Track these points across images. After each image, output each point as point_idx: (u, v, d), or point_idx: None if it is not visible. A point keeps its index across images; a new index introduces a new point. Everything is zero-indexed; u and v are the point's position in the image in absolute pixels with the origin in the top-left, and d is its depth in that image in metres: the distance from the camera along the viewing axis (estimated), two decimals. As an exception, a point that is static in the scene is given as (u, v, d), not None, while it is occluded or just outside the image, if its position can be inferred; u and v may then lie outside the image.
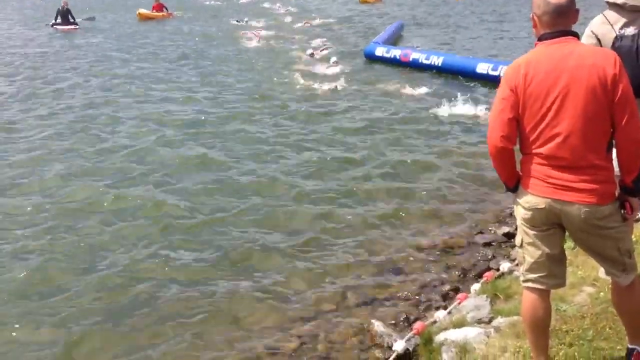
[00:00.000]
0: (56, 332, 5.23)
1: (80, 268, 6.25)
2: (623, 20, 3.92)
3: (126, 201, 7.89)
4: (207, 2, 43.63)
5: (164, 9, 32.38)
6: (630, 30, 3.85)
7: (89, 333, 5.21)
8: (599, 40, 3.98)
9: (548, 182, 2.96)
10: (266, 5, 41.41)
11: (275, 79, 16.13)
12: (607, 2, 4.02)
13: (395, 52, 18.40)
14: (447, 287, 5.74)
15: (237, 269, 6.26)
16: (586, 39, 4.02)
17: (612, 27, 3.93)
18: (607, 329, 3.69)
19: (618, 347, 3.47)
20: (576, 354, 3.50)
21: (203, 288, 5.87)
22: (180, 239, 6.89)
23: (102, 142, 10.43)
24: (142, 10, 31.22)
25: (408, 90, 14.55)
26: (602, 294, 4.02)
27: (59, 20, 27.69)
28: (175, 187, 8.43)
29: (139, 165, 9.32)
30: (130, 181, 8.64)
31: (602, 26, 3.98)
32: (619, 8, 3.95)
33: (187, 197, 8.04)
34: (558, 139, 2.90)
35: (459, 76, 15.86)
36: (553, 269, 3.10)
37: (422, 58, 17.40)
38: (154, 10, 31.81)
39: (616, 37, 3.89)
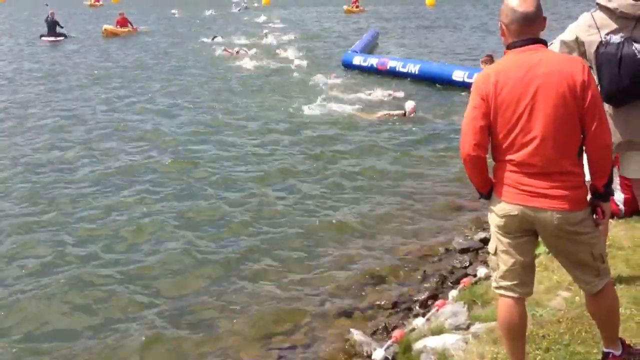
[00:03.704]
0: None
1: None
2: (611, 25, 3.86)
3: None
4: (176, 15, 42.75)
5: (129, 24, 31.43)
6: (616, 38, 3.80)
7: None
8: (580, 43, 3.94)
9: (520, 189, 2.98)
10: (246, 18, 40.75)
11: (251, 95, 16.09)
12: (598, 4, 3.95)
13: (373, 61, 18.53)
14: (425, 295, 5.73)
15: (213, 281, 6.22)
16: (564, 39, 3.99)
17: (599, 32, 3.88)
18: (583, 333, 3.72)
19: (594, 351, 3.49)
20: (553, 358, 3.52)
21: (178, 301, 5.83)
22: (158, 247, 6.86)
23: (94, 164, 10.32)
24: (108, 27, 30.29)
25: (385, 98, 14.60)
26: (577, 298, 4.05)
27: (45, 31, 27.46)
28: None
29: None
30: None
31: (589, 30, 3.92)
32: (609, 12, 3.88)
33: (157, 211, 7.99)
34: (530, 146, 2.92)
35: (435, 83, 15.97)
36: (524, 277, 3.12)
37: (399, 66, 17.55)
38: (118, 26, 30.85)
39: (601, 43, 3.84)
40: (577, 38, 3.97)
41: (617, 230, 5.16)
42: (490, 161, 3.10)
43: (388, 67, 17.78)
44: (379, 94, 14.91)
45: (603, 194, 3.03)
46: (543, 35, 3.06)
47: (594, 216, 3.03)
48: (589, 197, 3.03)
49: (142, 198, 8.41)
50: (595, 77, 3.91)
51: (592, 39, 3.90)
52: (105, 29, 30.00)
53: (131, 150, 10.79)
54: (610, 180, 3.06)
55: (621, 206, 5.50)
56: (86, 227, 7.48)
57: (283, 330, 5.33)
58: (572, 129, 2.91)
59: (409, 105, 13.00)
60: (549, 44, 4.15)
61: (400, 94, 14.63)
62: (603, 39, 3.84)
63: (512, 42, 3.02)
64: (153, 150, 10.68)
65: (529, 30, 2.98)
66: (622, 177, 4.48)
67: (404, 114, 12.80)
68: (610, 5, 3.86)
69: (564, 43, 4.04)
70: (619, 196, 5.48)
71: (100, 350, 5.10)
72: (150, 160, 10.10)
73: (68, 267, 6.49)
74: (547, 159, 2.91)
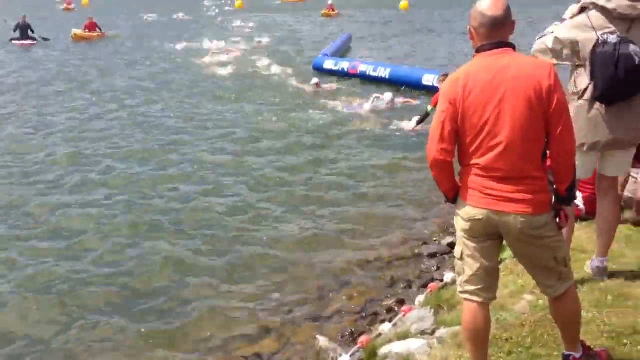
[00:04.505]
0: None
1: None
2: (607, 25, 3.91)
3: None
4: (146, 18, 42.05)
5: (97, 29, 30.72)
6: (613, 38, 3.84)
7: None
8: (575, 43, 3.98)
9: (485, 194, 2.98)
10: (220, 21, 39.89)
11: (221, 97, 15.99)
12: (594, 4, 3.97)
13: (344, 65, 18.56)
14: (392, 300, 5.74)
15: (180, 287, 6.17)
16: (560, 37, 4.04)
17: (595, 31, 3.92)
18: (545, 336, 3.73)
19: (555, 354, 3.51)
20: (514, 361, 3.54)
21: (144, 308, 5.77)
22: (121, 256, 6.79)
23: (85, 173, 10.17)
24: (77, 31, 29.66)
25: (353, 101, 14.62)
26: (541, 301, 4.07)
27: (17, 35, 26.92)
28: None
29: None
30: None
31: (584, 29, 3.97)
32: (607, 13, 3.93)
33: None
34: (496, 150, 2.93)
35: (405, 87, 16.04)
36: (489, 282, 3.13)
37: (369, 70, 17.60)
38: (87, 30, 30.20)
39: (598, 42, 3.88)
40: (572, 37, 4.01)
41: (580, 234, 5.20)
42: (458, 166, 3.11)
43: (359, 71, 17.83)
44: (358, 100, 14.89)
45: (566, 197, 3.05)
46: (512, 39, 3.07)
47: (557, 220, 3.05)
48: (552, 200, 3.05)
49: (106, 205, 8.36)
50: (587, 76, 3.96)
51: (587, 39, 3.94)
52: (75, 34, 29.50)
53: (97, 155, 10.65)
54: (573, 184, 3.08)
55: (581, 206, 5.56)
56: (60, 232, 7.45)
57: (250, 337, 5.29)
58: (537, 134, 2.92)
59: (387, 97, 13.84)
60: (538, 36, 4.24)
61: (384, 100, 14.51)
62: (600, 39, 3.88)
63: (481, 45, 3.02)
64: (121, 158, 10.55)
65: (497, 34, 2.98)
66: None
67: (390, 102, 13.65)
68: (609, 5, 3.91)
69: (557, 40, 4.08)
70: (577, 195, 5.52)
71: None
72: (118, 167, 9.99)
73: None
74: (512, 164, 2.91)
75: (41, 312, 5.73)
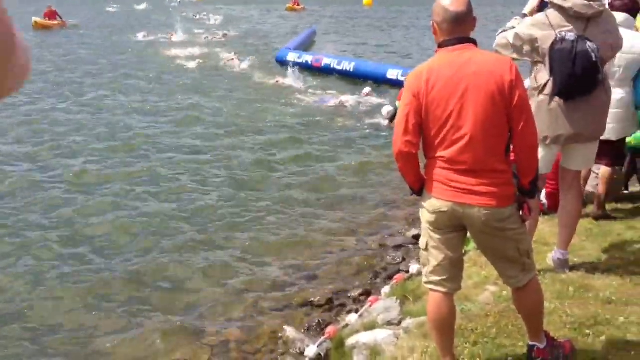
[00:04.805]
0: None
1: None
2: (565, 24, 4.04)
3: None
4: (109, 9, 41.29)
5: (57, 17, 30.29)
6: (571, 35, 3.96)
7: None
8: (534, 39, 4.08)
9: (450, 186, 3.03)
10: (184, 13, 39.29)
11: (181, 86, 15.82)
12: (552, 3, 4.11)
13: (307, 58, 18.54)
14: (359, 291, 5.77)
15: (146, 277, 6.14)
16: (520, 33, 4.13)
17: (553, 29, 4.04)
18: (510, 327, 3.81)
19: (520, 344, 3.58)
20: (480, 352, 3.59)
21: (106, 303, 5.71)
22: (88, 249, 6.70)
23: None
24: (39, 19, 29.12)
25: (317, 95, 14.64)
26: (504, 292, 4.15)
27: None
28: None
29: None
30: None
31: (543, 27, 4.08)
32: (563, 11, 4.06)
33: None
34: (459, 144, 2.98)
35: (369, 81, 16.10)
36: (453, 272, 3.19)
37: (334, 63, 17.63)
38: (46, 18, 29.75)
39: (556, 39, 3.99)
40: (532, 34, 4.12)
41: (543, 227, 5.32)
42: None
43: (323, 65, 17.85)
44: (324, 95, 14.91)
45: (529, 191, 3.12)
46: (475, 34, 3.12)
47: (521, 213, 3.11)
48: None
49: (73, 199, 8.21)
50: (547, 72, 4.05)
51: (546, 36, 4.06)
52: (35, 22, 28.84)
53: (49, 149, 10.45)
54: (536, 178, 3.16)
55: (544, 200, 5.68)
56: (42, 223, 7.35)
57: (216, 326, 5.28)
58: (500, 128, 2.97)
59: (366, 90, 14.39)
60: (500, 30, 4.33)
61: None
62: (558, 36, 4.00)
63: (444, 40, 3.07)
64: (76, 152, 10.39)
65: (459, 29, 3.03)
66: None
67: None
68: (566, 4, 4.04)
69: (518, 36, 4.18)
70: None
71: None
72: (73, 164, 9.81)
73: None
74: (476, 157, 2.97)
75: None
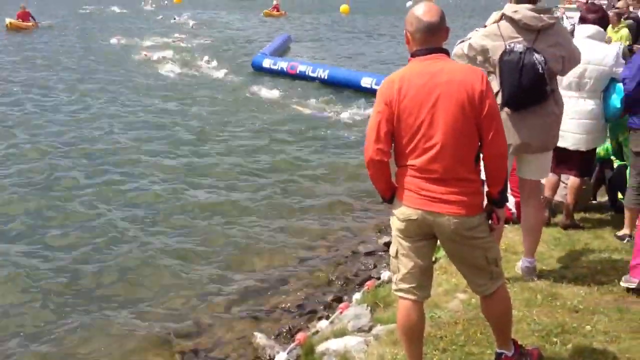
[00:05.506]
0: None
1: None
2: (515, 35, 4.11)
3: None
4: (82, 11, 40.80)
5: (30, 18, 29.71)
6: (519, 47, 4.03)
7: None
8: (485, 50, 4.17)
9: (420, 194, 3.05)
10: (160, 17, 38.89)
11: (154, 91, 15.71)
12: (504, 14, 4.20)
13: (282, 64, 18.55)
14: (330, 297, 5.78)
15: (119, 283, 6.10)
16: (473, 44, 4.22)
17: (503, 40, 4.12)
18: (478, 334, 3.84)
19: (488, 352, 3.62)
20: (449, 359, 3.62)
21: (72, 312, 5.63)
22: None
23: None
24: (13, 20, 28.48)
25: (292, 102, 14.64)
26: (473, 300, 4.18)
27: None
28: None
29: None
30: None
31: (494, 38, 4.16)
32: (514, 23, 4.14)
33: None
34: (430, 153, 2.99)
35: (343, 89, 16.14)
36: (423, 280, 3.20)
37: (308, 70, 17.65)
38: (19, 19, 29.11)
39: (505, 50, 4.07)
40: (483, 44, 4.20)
41: (512, 236, 5.38)
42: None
43: (298, 71, 17.86)
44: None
45: (498, 200, 3.15)
46: (447, 45, 3.15)
47: (489, 222, 3.14)
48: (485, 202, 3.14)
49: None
50: (497, 83, 4.12)
51: (497, 47, 4.13)
52: (10, 22, 28.34)
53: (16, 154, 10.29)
54: (505, 187, 3.19)
55: (513, 209, 5.74)
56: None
57: (186, 334, 5.25)
58: (470, 137, 3.00)
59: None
60: (459, 41, 4.39)
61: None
62: (507, 47, 4.08)
63: (416, 50, 3.09)
64: (54, 155, 10.30)
65: (432, 39, 3.06)
66: (511, 181, 4.72)
67: None
68: (515, 16, 4.12)
69: (471, 46, 4.27)
70: (510, 200, 5.70)
71: None
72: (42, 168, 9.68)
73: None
74: (446, 166, 2.99)
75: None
